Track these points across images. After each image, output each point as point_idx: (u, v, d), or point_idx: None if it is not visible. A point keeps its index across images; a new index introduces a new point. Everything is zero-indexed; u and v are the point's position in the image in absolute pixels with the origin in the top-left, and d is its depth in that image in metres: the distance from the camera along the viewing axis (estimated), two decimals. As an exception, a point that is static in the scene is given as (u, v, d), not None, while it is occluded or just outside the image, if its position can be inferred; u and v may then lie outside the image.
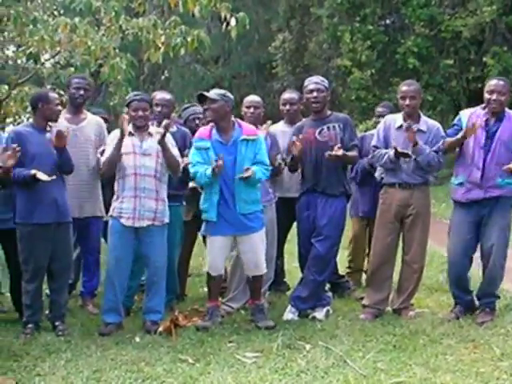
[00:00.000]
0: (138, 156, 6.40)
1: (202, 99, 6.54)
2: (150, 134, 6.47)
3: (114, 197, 6.51)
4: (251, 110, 7.23)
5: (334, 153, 6.50)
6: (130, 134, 6.45)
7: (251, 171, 6.29)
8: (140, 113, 6.42)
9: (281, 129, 7.48)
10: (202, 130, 6.60)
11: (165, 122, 6.24)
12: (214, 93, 6.49)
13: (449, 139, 6.71)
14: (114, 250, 6.48)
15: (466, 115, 6.76)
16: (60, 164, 6.30)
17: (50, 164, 6.25)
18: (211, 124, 6.56)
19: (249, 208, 6.46)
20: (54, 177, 6.13)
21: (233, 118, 6.55)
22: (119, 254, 6.45)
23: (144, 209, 6.36)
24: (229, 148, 6.44)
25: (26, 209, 6.29)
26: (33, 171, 6.07)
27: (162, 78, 23.08)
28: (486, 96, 6.58)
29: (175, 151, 6.49)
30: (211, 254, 6.58)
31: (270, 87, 21.80)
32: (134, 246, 6.49)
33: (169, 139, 6.46)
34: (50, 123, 6.39)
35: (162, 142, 6.29)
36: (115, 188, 6.52)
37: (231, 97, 6.57)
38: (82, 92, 7.11)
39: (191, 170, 6.48)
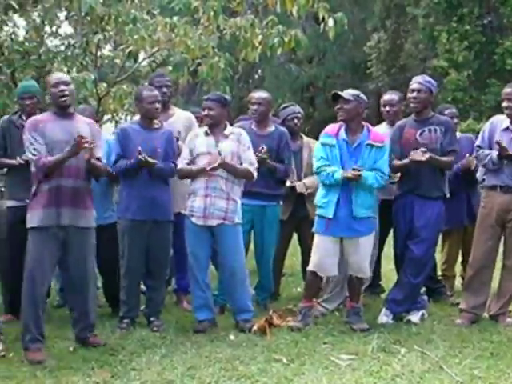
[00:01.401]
0: (211, 157, 6.38)
1: (335, 98, 6.47)
2: (226, 136, 6.46)
3: (187, 195, 6.54)
4: (387, 108, 7.35)
5: (414, 157, 6.40)
6: (206, 133, 6.47)
7: (357, 174, 6.21)
8: (206, 112, 6.44)
9: (383, 130, 7.33)
10: (331, 127, 6.54)
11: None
12: (348, 93, 6.42)
13: None
14: (190, 247, 6.52)
15: None
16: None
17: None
18: (340, 122, 6.50)
19: (364, 212, 6.39)
20: (157, 162, 6.23)
21: (363, 122, 6.49)
22: (195, 251, 6.48)
23: (214, 208, 6.36)
24: (353, 149, 6.39)
25: (124, 204, 6.46)
26: (139, 155, 6.18)
27: (256, 77, 23.16)
28: None
29: (247, 154, 6.48)
30: (319, 254, 6.50)
31: (364, 87, 21.60)
32: (209, 243, 6.50)
33: (245, 140, 6.48)
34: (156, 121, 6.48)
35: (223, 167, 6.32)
36: (189, 186, 6.55)
37: (365, 98, 6.51)
38: (164, 90, 7.15)
39: (315, 163, 6.45)
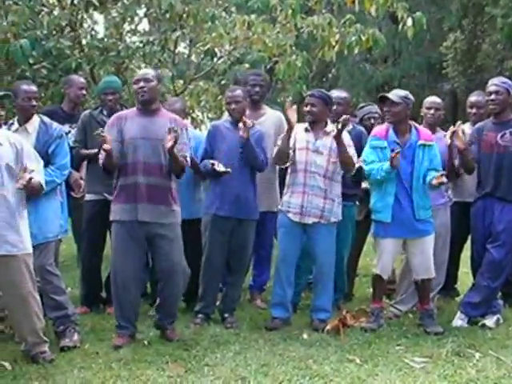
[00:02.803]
0: (310, 153, 6.39)
1: (382, 100, 6.43)
2: (326, 133, 6.44)
3: (285, 190, 6.55)
4: (431, 111, 7.06)
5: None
6: (306, 129, 6.46)
7: (442, 180, 6.16)
8: (307, 108, 6.42)
9: (467, 132, 7.17)
10: (379, 129, 6.53)
11: (343, 117, 6.17)
12: (396, 95, 6.38)
13: None
14: (281, 243, 6.55)
15: None
16: (245, 158, 6.41)
17: (238, 159, 6.40)
18: (387, 124, 6.46)
19: (424, 213, 6.37)
20: (229, 170, 6.24)
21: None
22: (285, 247, 6.50)
23: (311, 206, 6.36)
24: (405, 151, 6.33)
25: (209, 200, 6.55)
26: (211, 161, 6.28)
27: (330, 76, 23.07)
28: None
29: (351, 151, 6.42)
30: (382, 257, 6.49)
31: (439, 88, 21.36)
32: (301, 241, 6.51)
33: (346, 138, 6.41)
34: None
35: (337, 139, 6.24)
36: (286, 182, 6.56)
37: (412, 99, 6.45)
38: (257, 89, 7.19)
39: (366, 167, 6.42)
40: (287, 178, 6.57)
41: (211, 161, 6.30)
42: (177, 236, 5.96)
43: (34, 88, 6.06)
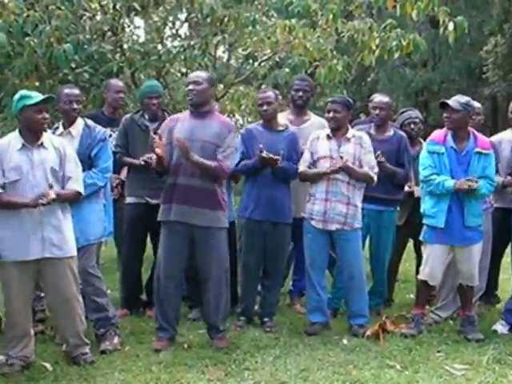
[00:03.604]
0: (334, 160, 6.34)
1: (443, 106, 6.36)
2: (348, 139, 6.41)
3: (307, 198, 6.52)
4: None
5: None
6: (328, 137, 6.44)
7: (476, 184, 6.10)
8: (331, 114, 6.38)
9: (508, 138, 7.10)
10: (437, 134, 6.42)
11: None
12: (456, 101, 6.26)
13: None
14: (308, 250, 6.53)
15: None
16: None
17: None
18: (445, 129, 6.39)
19: (475, 221, 6.29)
20: (279, 157, 6.24)
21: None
22: (312, 253, 6.49)
23: (334, 212, 6.33)
24: (462, 157, 6.27)
25: (244, 203, 6.57)
26: (260, 153, 6.25)
27: (369, 80, 22.99)
28: None
29: (368, 158, 6.40)
30: (430, 263, 6.42)
31: (479, 92, 21.20)
32: (327, 246, 6.52)
33: (366, 144, 6.42)
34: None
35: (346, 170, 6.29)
36: (309, 190, 6.53)
37: (474, 105, 6.39)
38: (300, 93, 7.16)
39: (422, 172, 6.34)
40: (308, 185, 6.54)
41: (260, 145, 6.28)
42: (217, 240, 5.95)
43: (75, 91, 6.13)
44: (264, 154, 6.21)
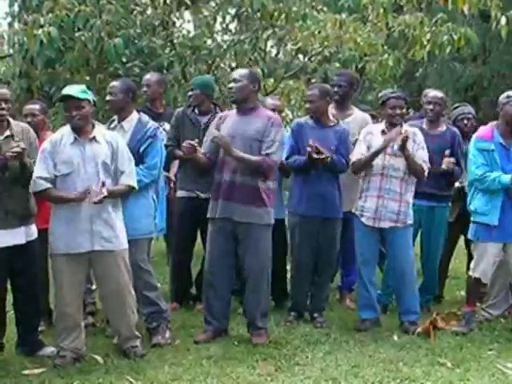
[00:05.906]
0: (388, 156, 6.30)
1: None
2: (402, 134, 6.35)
3: (358, 195, 6.48)
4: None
5: None
6: (383, 132, 6.38)
7: None
8: (398, 111, 6.32)
9: None
10: (484, 131, 6.35)
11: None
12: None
13: None
14: (359, 246, 6.52)
15: None
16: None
17: None
18: (491, 124, 6.33)
19: None
20: (329, 154, 6.20)
21: None
22: (363, 250, 6.48)
23: (386, 210, 6.30)
24: (510, 153, 6.22)
25: (294, 200, 6.55)
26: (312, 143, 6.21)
27: (417, 74, 22.81)
28: None
29: (421, 153, 6.34)
30: (483, 260, 6.32)
31: (530, 88, 20.99)
32: (378, 243, 6.50)
33: (419, 139, 6.38)
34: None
35: (403, 151, 6.19)
36: (360, 186, 6.49)
37: None
38: (336, 89, 7.10)
39: (475, 170, 6.24)
40: (360, 181, 6.50)
41: (312, 142, 6.22)
42: (257, 237, 5.92)
43: (115, 83, 6.12)
44: (313, 151, 6.16)
